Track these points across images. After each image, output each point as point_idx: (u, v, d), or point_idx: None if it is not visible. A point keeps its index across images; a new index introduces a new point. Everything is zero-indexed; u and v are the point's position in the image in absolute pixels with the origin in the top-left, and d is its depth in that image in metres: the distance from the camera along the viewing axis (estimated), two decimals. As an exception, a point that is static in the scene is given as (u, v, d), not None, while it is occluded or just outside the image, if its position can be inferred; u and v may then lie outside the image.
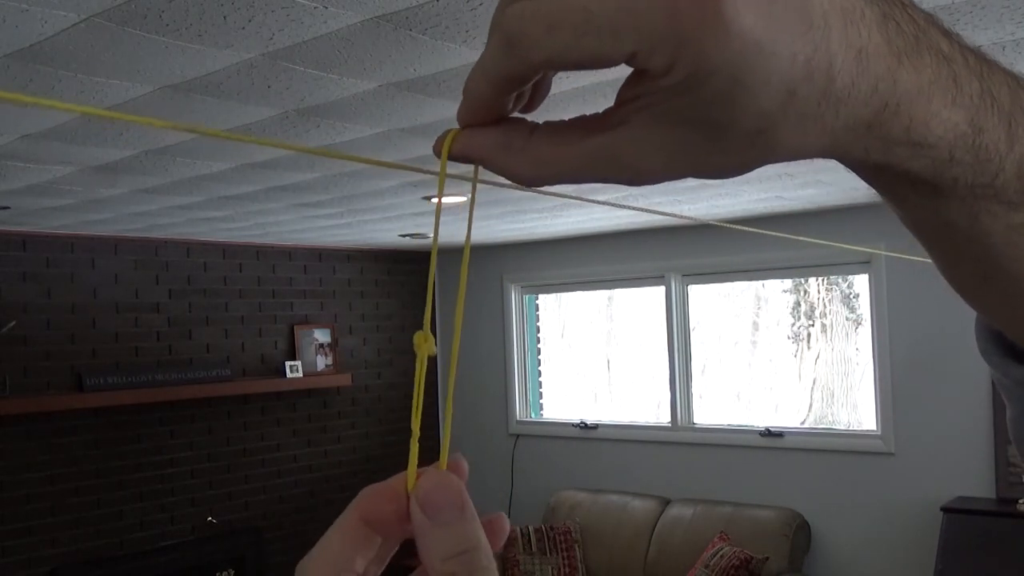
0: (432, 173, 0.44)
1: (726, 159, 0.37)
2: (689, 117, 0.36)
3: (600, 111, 0.39)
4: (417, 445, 0.40)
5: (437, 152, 0.42)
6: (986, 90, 0.38)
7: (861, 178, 0.42)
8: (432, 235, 5.95)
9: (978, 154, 0.38)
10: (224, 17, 1.92)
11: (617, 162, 0.38)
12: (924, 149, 0.38)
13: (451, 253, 7.16)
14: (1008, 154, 0.39)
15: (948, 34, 0.39)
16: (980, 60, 0.39)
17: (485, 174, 0.43)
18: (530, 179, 0.40)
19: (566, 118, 0.40)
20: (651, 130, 0.37)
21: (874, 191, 0.42)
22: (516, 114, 0.42)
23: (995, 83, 0.39)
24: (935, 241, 0.43)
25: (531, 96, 0.42)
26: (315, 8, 1.89)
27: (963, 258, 0.43)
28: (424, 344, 0.41)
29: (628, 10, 0.33)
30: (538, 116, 0.41)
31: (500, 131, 0.40)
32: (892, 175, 0.39)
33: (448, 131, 0.41)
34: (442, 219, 5.17)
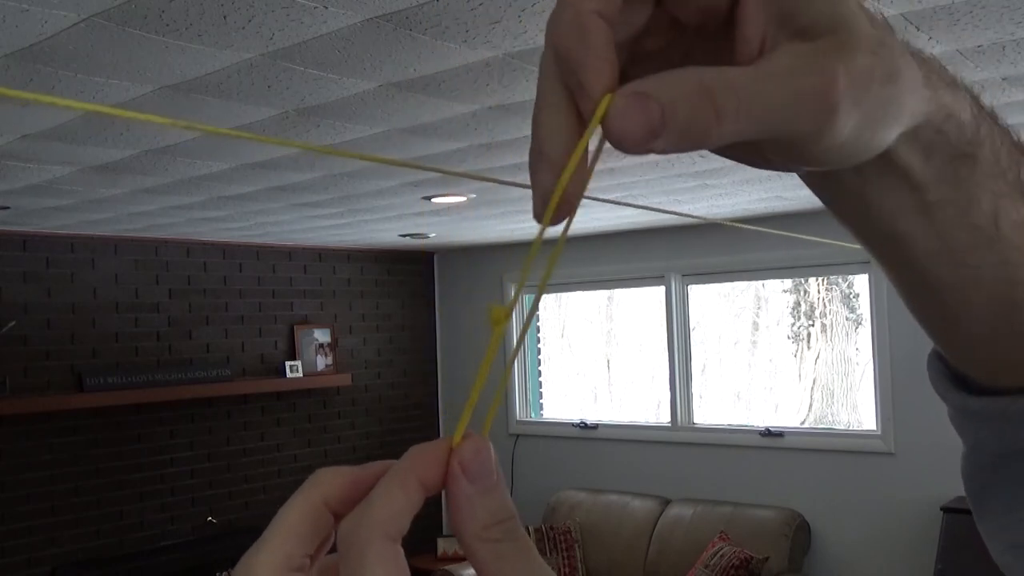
0: (436, 170, 0.43)
1: (854, 109, 0.36)
2: (813, 20, 0.36)
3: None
4: (470, 411, 0.39)
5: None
6: (972, 92, 0.43)
7: (919, 186, 0.42)
8: (431, 235, 5.95)
9: (981, 134, 0.42)
10: (224, 17, 1.92)
11: (821, 90, 0.35)
12: (956, 123, 0.41)
13: (452, 253, 7.16)
14: (1003, 138, 0.43)
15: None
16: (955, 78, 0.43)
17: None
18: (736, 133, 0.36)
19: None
20: (807, 45, 0.35)
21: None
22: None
23: (968, 87, 0.43)
24: (957, 266, 0.44)
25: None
26: (315, 8, 1.89)
27: (981, 276, 0.44)
28: (504, 319, 0.39)
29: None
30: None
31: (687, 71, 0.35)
32: (943, 154, 0.41)
33: (605, 96, 0.34)
34: (441, 219, 5.17)
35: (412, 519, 0.36)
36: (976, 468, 0.50)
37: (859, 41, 0.35)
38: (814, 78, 0.34)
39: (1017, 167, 0.42)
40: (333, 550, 0.38)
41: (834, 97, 0.34)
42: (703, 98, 0.33)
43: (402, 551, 0.36)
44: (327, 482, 0.38)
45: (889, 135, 0.37)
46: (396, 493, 0.36)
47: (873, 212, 0.42)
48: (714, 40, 0.39)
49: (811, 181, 0.44)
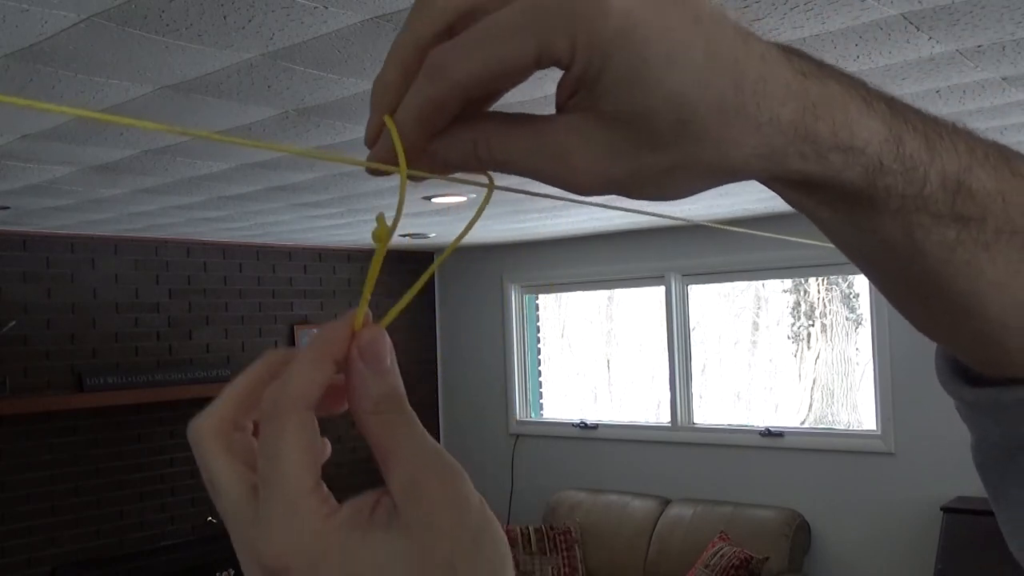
0: (434, 177, 0.44)
1: (660, 156, 0.38)
2: (614, 110, 0.37)
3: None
4: (366, 305, 0.44)
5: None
6: (895, 109, 0.41)
7: (806, 207, 0.43)
8: (431, 235, 5.95)
9: (904, 162, 0.40)
10: (224, 17, 1.92)
11: (563, 156, 0.39)
12: (855, 155, 0.39)
13: (452, 252, 7.15)
14: (931, 165, 0.40)
15: (848, 74, 0.41)
16: (882, 92, 0.41)
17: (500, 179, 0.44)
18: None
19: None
20: (591, 124, 0.38)
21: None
22: None
23: (901, 107, 0.41)
24: (877, 265, 0.45)
25: None
26: (315, 8, 1.89)
27: (904, 280, 0.44)
28: (386, 237, 0.43)
29: (524, 9, 0.37)
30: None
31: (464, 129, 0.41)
32: (831, 192, 0.41)
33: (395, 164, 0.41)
34: (442, 219, 5.18)
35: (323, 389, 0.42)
36: (987, 461, 0.50)
37: (650, 134, 0.38)
38: (563, 166, 0.39)
39: (952, 196, 0.41)
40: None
41: (579, 187, 0.40)
42: (470, 148, 0.41)
43: (315, 418, 0.42)
44: (271, 361, 0.44)
45: (703, 184, 0.41)
46: (310, 367, 0.41)
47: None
48: None
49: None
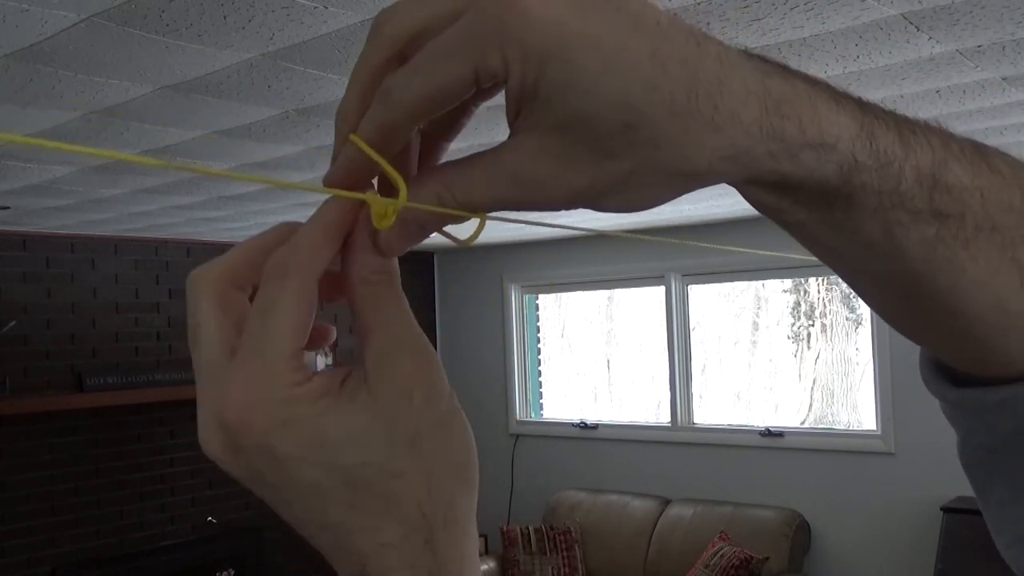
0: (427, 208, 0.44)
1: (617, 163, 0.38)
2: (556, 120, 0.37)
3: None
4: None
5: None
6: (865, 107, 0.40)
7: (784, 210, 0.42)
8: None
9: (879, 158, 0.40)
10: (224, 17, 1.92)
11: (517, 176, 0.39)
12: (826, 151, 0.39)
13: (452, 252, 7.16)
14: (906, 160, 0.40)
15: (815, 77, 0.40)
16: (850, 93, 0.41)
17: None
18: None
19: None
20: (538, 138, 0.38)
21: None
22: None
23: (872, 106, 0.41)
24: (858, 268, 0.44)
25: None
26: (315, 8, 1.89)
27: (886, 281, 0.44)
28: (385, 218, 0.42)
29: (458, 30, 0.37)
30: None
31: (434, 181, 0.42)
32: (808, 192, 0.40)
33: (386, 206, 0.42)
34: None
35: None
36: (973, 461, 0.50)
37: (600, 141, 0.37)
38: (521, 186, 0.39)
39: (929, 191, 0.40)
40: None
41: (543, 202, 0.39)
42: (436, 201, 0.41)
43: (316, 291, 0.42)
44: (283, 232, 0.44)
45: (670, 189, 0.40)
46: (323, 237, 0.42)
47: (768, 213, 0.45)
48: None
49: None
